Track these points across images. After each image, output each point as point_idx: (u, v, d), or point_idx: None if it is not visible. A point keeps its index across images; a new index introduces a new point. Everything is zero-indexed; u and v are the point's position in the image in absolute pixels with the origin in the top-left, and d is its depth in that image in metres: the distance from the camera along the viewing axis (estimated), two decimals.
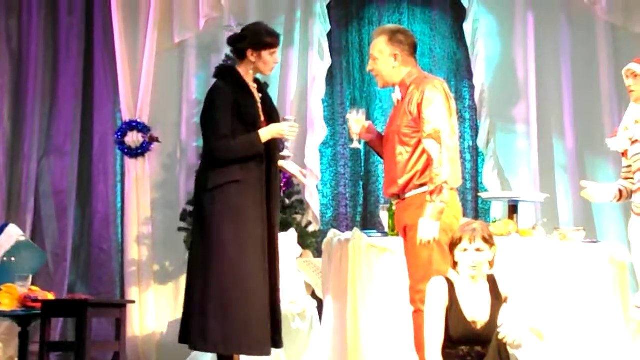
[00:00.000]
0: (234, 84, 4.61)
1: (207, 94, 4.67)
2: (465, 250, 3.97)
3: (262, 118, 4.65)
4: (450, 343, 3.92)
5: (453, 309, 3.94)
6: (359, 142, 4.47)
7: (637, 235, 4.50)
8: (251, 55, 4.63)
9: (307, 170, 4.96)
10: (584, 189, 4.66)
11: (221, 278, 4.46)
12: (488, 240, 3.99)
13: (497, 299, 4.00)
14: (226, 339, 4.44)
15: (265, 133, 4.57)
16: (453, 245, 4.02)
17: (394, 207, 5.03)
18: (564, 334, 4.98)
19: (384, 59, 4.39)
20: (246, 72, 4.66)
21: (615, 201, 4.69)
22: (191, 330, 4.51)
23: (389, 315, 4.88)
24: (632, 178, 4.55)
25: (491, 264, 4.04)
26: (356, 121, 4.44)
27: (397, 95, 4.44)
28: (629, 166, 4.56)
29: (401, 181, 4.28)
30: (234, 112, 4.54)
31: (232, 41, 4.72)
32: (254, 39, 4.63)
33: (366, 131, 4.46)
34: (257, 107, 4.66)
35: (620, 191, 4.62)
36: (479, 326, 3.94)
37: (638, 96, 4.40)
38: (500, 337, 3.81)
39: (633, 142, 4.43)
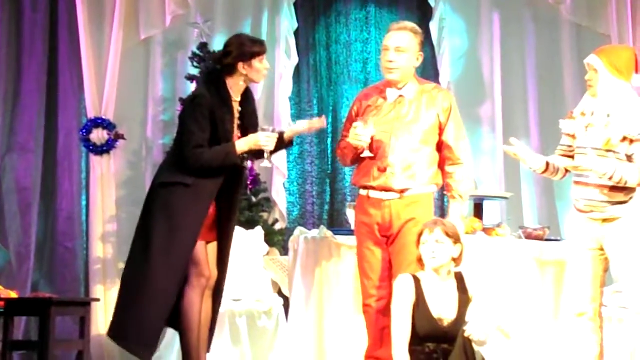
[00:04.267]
0: (217, 95, 4.56)
1: (188, 97, 4.66)
2: (425, 242, 4.03)
3: (237, 134, 4.62)
4: (417, 340, 3.94)
5: (420, 306, 3.96)
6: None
7: (578, 234, 4.48)
8: (242, 68, 4.57)
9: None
10: (511, 147, 4.53)
11: (135, 271, 4.52)
12: (450, 235, 4.03)
13: (464, 297, 4.03)
14: (120, 329, 4.51)
15: (242, 144, 4.54)
16: (418, 241, 4.06)
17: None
18: (528, 331, 5.02)
19: (412, 55, 4.47)
20: (235, 84, 4.61)
21: (539, 172, 4.61)
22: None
23: (355, 313, 4.89)
24: (570, 157, 4.50)
25: (457, 261, 4.08)
26: (365, 129, 4.39)
27: (402, 92, 4.46)
28: (571, 146, 4.50)
29: (422, 176, 4.38)
30: (210, 123, 4.51)
31: (218, 59, 4.68)
32: (241, 51, 4.57)
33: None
34: (233, 123, 4.61)
35: (548, 164, 4.57)
36: (445, 323, 3.96)
37: (595, 93, 4.40)
38: (466, 334, 3.83)
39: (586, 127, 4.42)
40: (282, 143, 4.70)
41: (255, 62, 4.59)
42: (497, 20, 7.31)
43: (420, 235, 4.07)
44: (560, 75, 7.26)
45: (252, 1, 7.44)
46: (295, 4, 7.41)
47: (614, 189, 4.29)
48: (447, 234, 4.03)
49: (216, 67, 4.68)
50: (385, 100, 4.48)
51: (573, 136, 4.49)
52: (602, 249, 4.39)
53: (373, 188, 4.43)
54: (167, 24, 7.29)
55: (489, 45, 7.29)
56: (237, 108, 4.64)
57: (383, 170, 4.39)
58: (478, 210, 5.57)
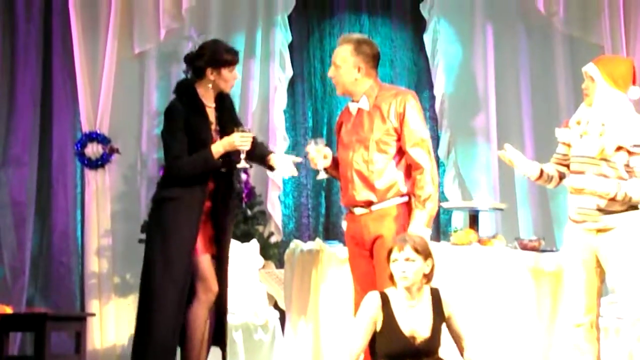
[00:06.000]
0: (189, 104, 4.58)
1: (164, 111, 4.67)
2: (395, 260, 3.91)
3: (217, 139, 4.60)
4: (394, 358, 3.85)
5: (389, 325, 3.85)
6: (325, 171, 4.45)
7: (573, 245, 4.45)
8: (210, 74, 4.58)
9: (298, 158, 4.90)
10: (505, 153, 4.50)
11: (143, 293, 4.57)
12: (420, 252, 3.90)
13: (439, 315, 3.91)
14: (136, 353, 4.50)
15: (218, 147, 4.55)
16: (387, 258, 3.96)
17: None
18: (525, 342, 5.02)
19: (347, 68, 4.40)
20: (205, 91, 4.62)
21: (533, 179, 4.55)
22: None
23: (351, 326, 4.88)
24: (565, 165, 4.51)
25: (428, 277, 3.95)
26: (317, 151, 4.41)
27: (359, 104, 4.42)
28: (566, 155, 4.51)
29: (381, 187, 4.28)
30: (186, 132, 4.53)
31: (190, 59, 4.68)
32: (213, 57, 4.57)
33: (325, 157, 4.45)
34: (210, 129, 4.61)
35: (542, 171, 4.57)
36: (418, 341, 3.84)
37: (590, 102, 4.41)
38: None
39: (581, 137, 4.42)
40: (266, 163, 4.76)
41: (225, 71, 4.59)
42: (491, 32, 7.34)
43: (389, 252, 3.95)
44: (553, 86, 7.28)
45: (246, 14, 7.46)
46: (289, 17, 7.43)
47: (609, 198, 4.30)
48: (417, 251, 3.89)
49: (186, 77, 4.69)
50: (351, 115, 4.47)
51: (568, 145, 4.50)
52: (597, 260, 4.39)
53: (346, 204, 4.45)
54: (161, 38, 7.29)
55: (482, 57, 7.31)
56: (212, 114, 4.65)
57: (346, 186, 4.39)
58: (473, 222, 5.57)
